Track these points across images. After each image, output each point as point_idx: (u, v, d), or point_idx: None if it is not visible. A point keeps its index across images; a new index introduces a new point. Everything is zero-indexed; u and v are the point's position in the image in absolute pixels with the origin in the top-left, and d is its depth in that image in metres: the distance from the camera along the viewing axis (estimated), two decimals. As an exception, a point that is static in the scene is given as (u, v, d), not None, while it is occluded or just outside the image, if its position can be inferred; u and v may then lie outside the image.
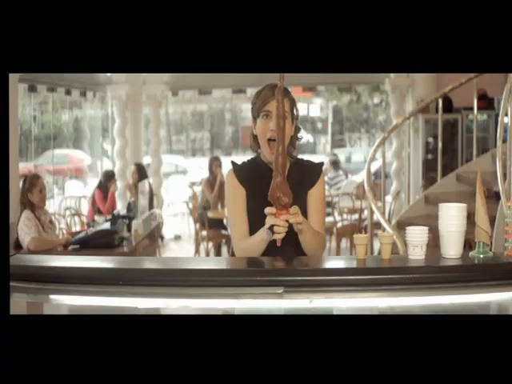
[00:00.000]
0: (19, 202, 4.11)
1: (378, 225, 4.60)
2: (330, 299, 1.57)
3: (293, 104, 1.92)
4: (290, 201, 1.71)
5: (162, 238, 7.49)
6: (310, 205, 1.93)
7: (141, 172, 6.85)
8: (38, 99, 7.47)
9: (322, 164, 2.00)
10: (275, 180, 1.72)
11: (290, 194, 1.71)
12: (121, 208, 6.34)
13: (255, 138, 1.92)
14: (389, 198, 6.74)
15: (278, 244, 1.73)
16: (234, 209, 1.94)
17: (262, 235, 1.78)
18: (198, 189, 7.19)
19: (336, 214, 6.47)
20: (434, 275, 1.63)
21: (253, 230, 1.86)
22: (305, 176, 1.94)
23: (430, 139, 7.37)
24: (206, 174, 6.93)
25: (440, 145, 5.46)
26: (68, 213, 6.12)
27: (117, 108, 7.71)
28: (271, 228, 1.73)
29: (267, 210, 1.73)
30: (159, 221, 6.41)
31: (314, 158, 2.07)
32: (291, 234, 1.78)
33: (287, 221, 1.72)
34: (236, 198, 1.93)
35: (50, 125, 7.93)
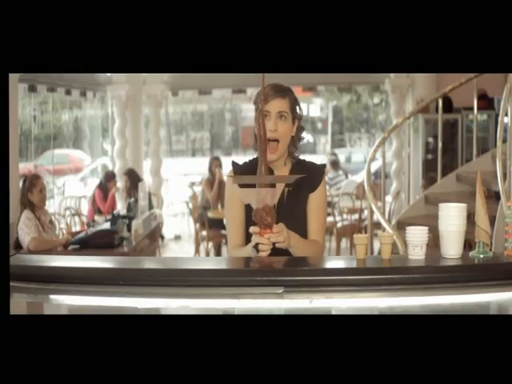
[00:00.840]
0: (19, 201, 4.11)
1: (378, 225, 4.59)
2: (330, 299, 1.57)
3: (294, 103, 1.92)
4: (273, 220, 1.73)
5: (162, 237, 7.47)
6: (310, 209, 1.93)
7: (133, 178, 6.51)
8: (38, 99, 7.47)
9: (324, 166, 2.00)
10: None
11: (273, 213, 1.73)
12: (121, 208, 6.32)
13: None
14: (389, 198, 6.73)
15: None
16: (231, 214, 1.96)
17: (249, 251, 1.81)
18: (198, 189, 7.18)
19: (336, 213, 6.47)
20: (434, 275, 1.62)
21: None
22: (306, 177, 1.94)
23: (430, 139, 7.37)
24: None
25: (440, 145, 5.46)
26: (68, 213, 6.12)
27: (117, 108, 7.70)
28: (256, 246, 1.76)
29: (251, 229, 1.76)
30: (159, 221, 6.39)
31: (314, 158, 2.06)
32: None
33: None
34: (234, 203, 1.94)
35: (50, 125, 7.93)
